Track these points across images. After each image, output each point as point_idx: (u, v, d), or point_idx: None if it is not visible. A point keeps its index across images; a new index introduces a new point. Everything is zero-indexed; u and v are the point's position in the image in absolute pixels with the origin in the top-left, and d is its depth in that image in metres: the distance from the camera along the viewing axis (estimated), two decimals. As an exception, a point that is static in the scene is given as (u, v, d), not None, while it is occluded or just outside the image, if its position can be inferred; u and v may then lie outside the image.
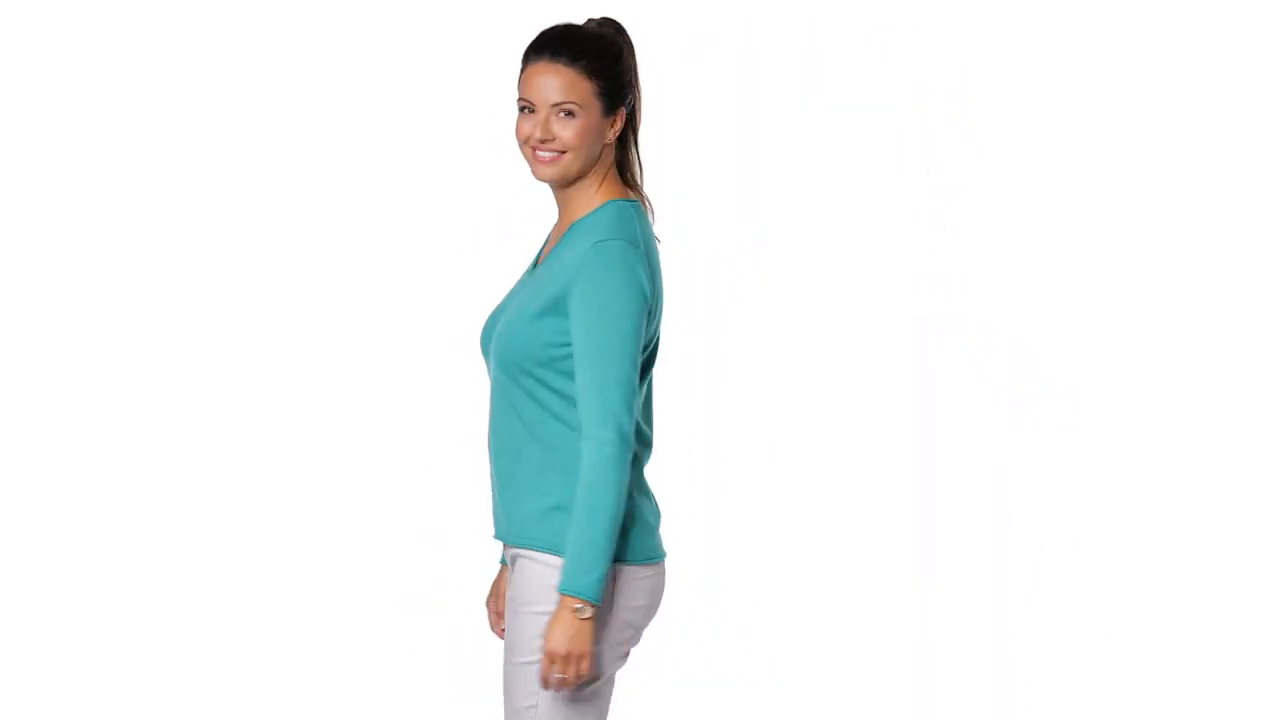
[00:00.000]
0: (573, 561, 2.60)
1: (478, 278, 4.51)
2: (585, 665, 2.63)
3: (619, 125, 2.73)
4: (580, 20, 2.78)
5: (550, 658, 2.62)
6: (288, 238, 4.55)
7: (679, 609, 3.21)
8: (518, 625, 2.70)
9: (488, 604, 2.94)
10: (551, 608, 2.65)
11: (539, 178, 2.72)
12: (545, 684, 2.64)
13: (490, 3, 4.49)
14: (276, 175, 4.54)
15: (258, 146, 4.53)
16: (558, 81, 2.66)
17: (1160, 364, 4.57)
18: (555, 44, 2.68)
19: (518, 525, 2.73)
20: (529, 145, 2.69)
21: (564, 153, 2.68)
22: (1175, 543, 4.53)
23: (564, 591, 2.60)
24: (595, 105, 2.69)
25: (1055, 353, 4.58)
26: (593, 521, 2.59)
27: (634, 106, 2.76)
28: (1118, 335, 4.57)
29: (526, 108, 2.69)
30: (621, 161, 2.78)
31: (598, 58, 2.68)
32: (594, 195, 2.74)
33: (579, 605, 2.60)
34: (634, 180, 2.78)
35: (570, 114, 2.67)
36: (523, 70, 2.70)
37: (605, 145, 2.73)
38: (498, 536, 2.79)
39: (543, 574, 2.69)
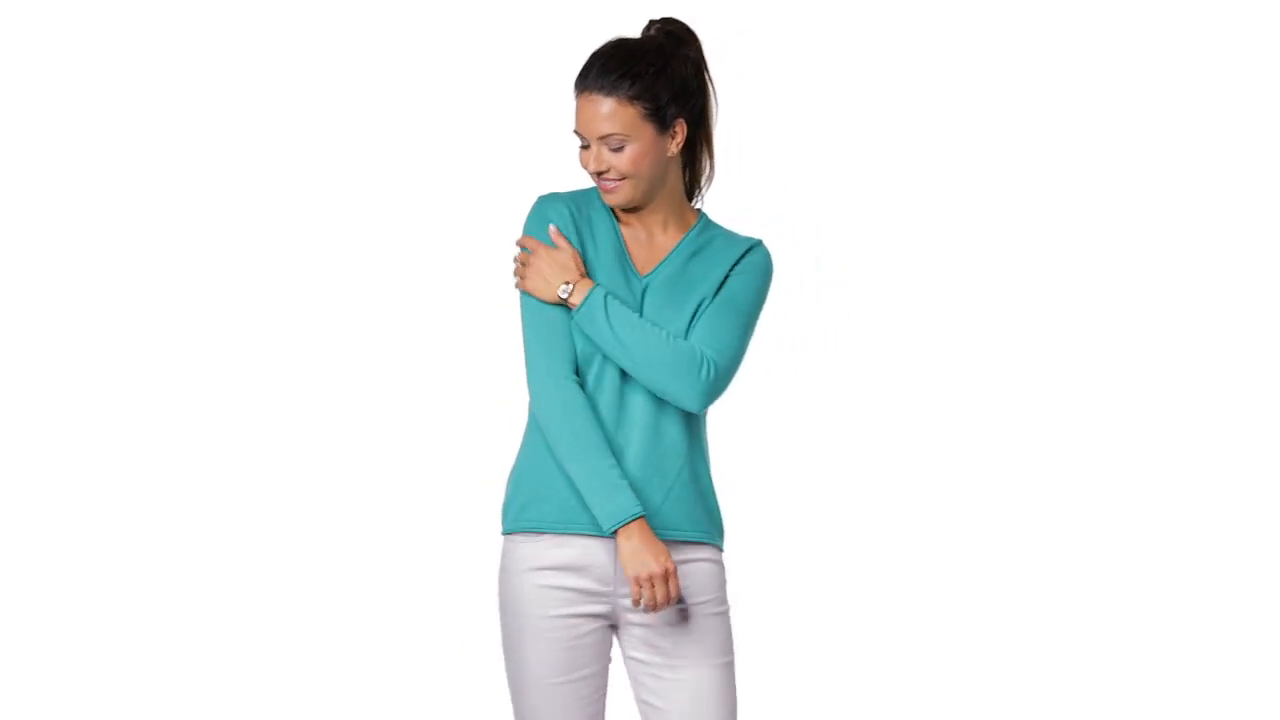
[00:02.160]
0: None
1: (476, 277, 4.54)
2: None
3: (680, 136, 2.69)
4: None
5: None
6: (288, 238, 4.54)
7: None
8: (718, 625, 2.71)
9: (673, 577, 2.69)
10: (728, 605, 2.73)
11: (610, 203, 2.69)
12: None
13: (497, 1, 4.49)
14: (277, 176, 4.53)
15: (258, 147, 4.52)
16: (600, 113, 2.61)
17: (1159, 364, 4.57)
18: (596, 72, 2.63)
19: (694, 524, 2.72)
20: (597, 177, 2.67)
21: (623, 179, 2.65)
22: (1175, 542, 4.53)
23: None
24: (645, 128, 2.64)
25: (1055, 352, 4.57)
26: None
27: (701, 109, 2.73)
28: (1117, 335, 4.57)
29: (584, 142, 2.65)
30: (689, 167, 2.78)
31: (638, 79, 2.62)
32: (685, 208, 2.76)
33: None
34: (695, 188, 2.80)
35: (620, 146, 2.63)
36: (575, 97, 2.65)
37: (670, 159, 2.70)
38: (668, 536, 2.70)
39: (720, 571, 2.75)
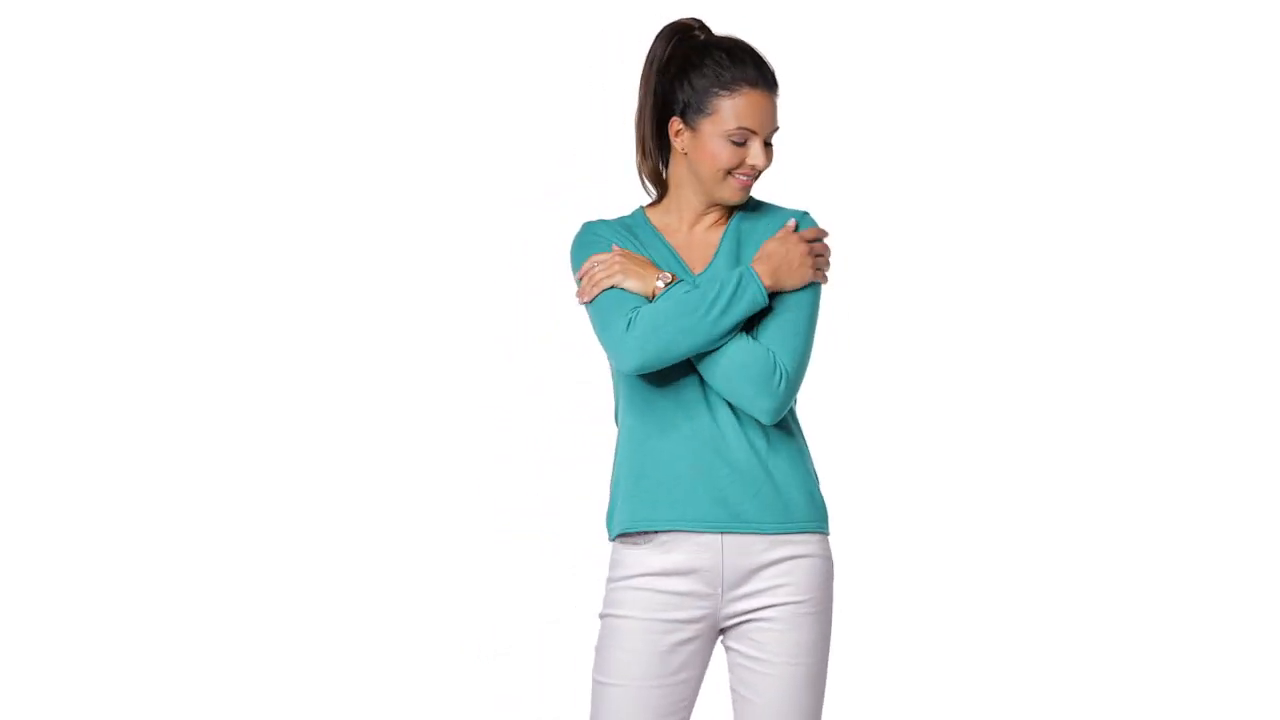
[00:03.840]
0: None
1: (479, 278, 4.55)
2: None
3: None
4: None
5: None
6: (289, 239, 4.54)
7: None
8: (813, 625, 2.67)
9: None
10: (830, 604, 2.70)
11: (733, 201, 2.66)
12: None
13: (496, 3, 4.50)
14: (280, 179, 4.54)
15: (259, 148, 4.53)
16: (774, 111, 2.62)
17: (1158, 361, 4.58)
18: (757, 68, 2.62)
19: (798, 512, 2.67)
20: (739, 173, 2.65)
21: (759, 174, 2.67)
22: (1175, 543, 4.54)
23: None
24: None
25: (1054, 353, 4.58)
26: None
27: None
28: (1116, 333, 4.58)
29: (743, 138, 2.62)
30: None
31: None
32: None
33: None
34: None
35: (771, 141, 2.66)
36: (729, 95, 2.61)
37: None
38: (765, 530, 2.65)
39: (826, 566, 2.70)
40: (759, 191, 2.79)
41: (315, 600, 4.45)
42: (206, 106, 4.48)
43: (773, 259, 2.58)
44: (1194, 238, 4.55)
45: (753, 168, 2.60)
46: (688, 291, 2.57)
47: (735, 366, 2.58)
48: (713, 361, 2.59)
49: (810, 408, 2.89)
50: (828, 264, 2.64)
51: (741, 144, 2.59)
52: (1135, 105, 4.55)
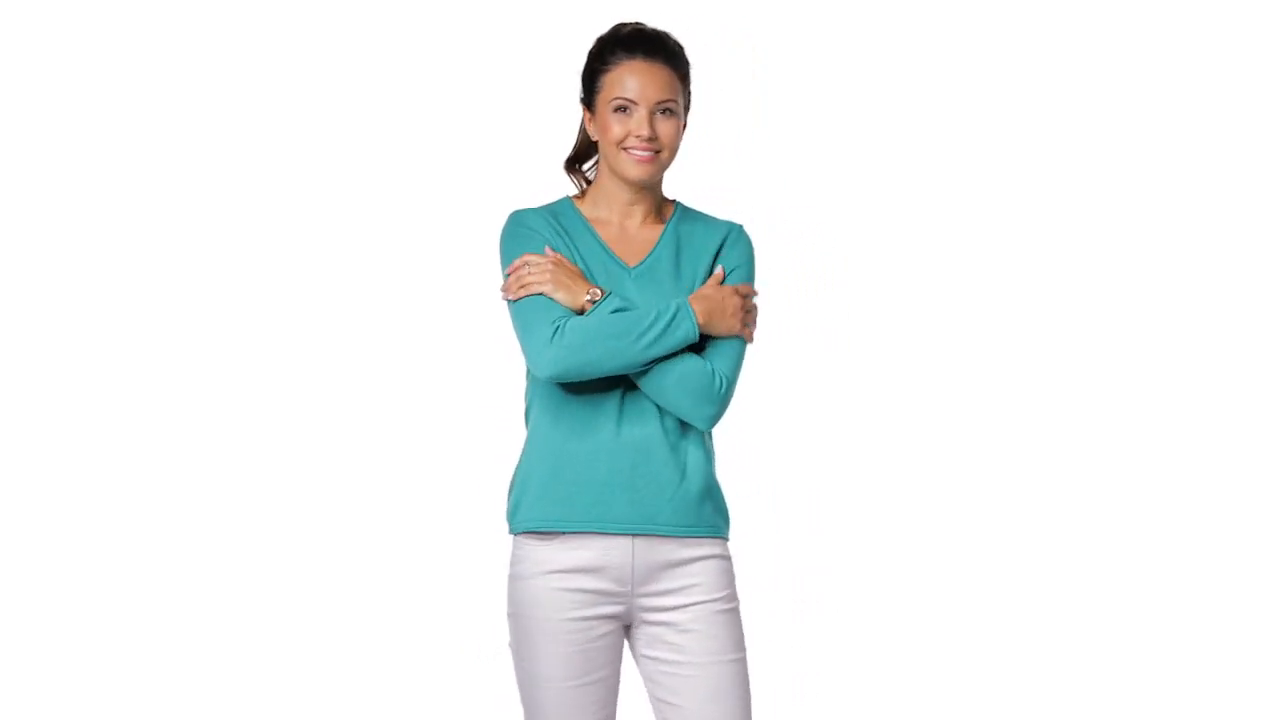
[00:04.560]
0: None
1: (478, 278, 4.55)
2: None
3: (684, 130, 2.77)
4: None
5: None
6: (288, 240, 4.54)
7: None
8: (729, 621, 2.72)
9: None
10: (737, 601, 2.75)
11: (634, 177, 2.71)
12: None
13: (490, 4, 4.49)
14: (277, 179, 4.53)
15: (259, 150, 4.52)
16: (660, 80, 2.67)
17: (1157, 362, 4.56)
18: (650, 44, 2.69)
19: (706, 518, 2.74)
20: (624, 146, 2.70)
21: (659, 152, 2.70)
22: (1175, 543, 4.53)
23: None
24: (682, 107, 2.73)
25: (1053, 353, 4.57)
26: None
27: None
28: (1115, 333, 4.57)
29: (624, 107, 2.68)
30: None
31: (683, 63, 2.72)
32: (664, 200, 2.81)
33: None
34: None
35: (671, 113, 2.69)
36: (609, 68, 2.69)
37: None
38: (667, 532, 2.72)
39: (729, 566, 2.76)
40: (703, 196, 2.81)
41: (315, 600, 4.46)
42: (205, 109, 4.49)
43: (709, 301, 2.65)
44: (1176, 236, 4.55)
45: (639, 138, 2.65)
46: (616, 311, 2.62)
47: (675, 377, 2.64)
48: (653, 372, 2.64)
49: (734, 418, 2.91)
50: (753, 322, 2.71)
51: (626, 113, 2.66)
52: (1127, 105, 4.55)
